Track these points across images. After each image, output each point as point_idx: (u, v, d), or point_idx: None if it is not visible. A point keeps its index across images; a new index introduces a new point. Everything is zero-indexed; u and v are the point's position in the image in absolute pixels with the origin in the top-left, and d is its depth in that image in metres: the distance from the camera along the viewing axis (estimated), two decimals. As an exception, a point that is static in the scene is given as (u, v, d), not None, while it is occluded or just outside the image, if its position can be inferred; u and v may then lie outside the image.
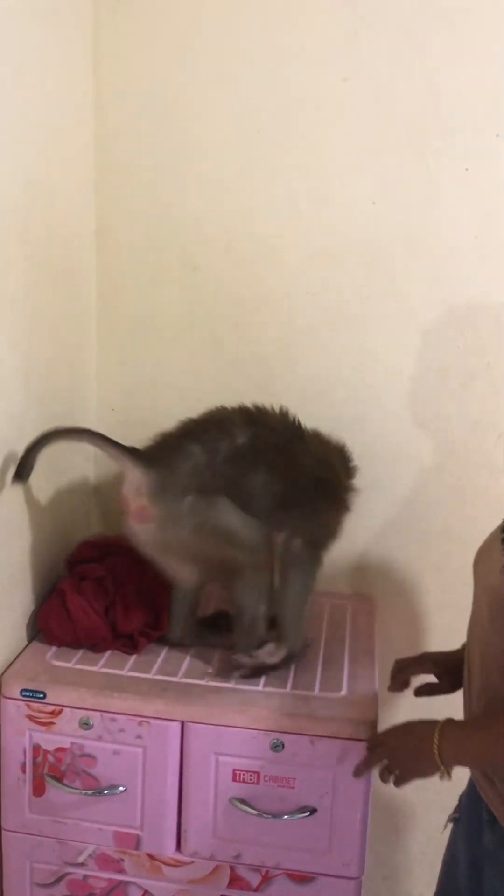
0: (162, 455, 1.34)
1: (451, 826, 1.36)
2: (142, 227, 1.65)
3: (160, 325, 1.69)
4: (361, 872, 1.32)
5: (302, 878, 1.32)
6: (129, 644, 1.42)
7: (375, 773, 1.25)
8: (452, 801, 1.83)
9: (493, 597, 1.12)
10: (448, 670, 1.39)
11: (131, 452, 1.34)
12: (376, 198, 1.56)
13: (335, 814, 1.29)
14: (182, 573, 1.40)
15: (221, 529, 1.32)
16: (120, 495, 1.37)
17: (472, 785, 1.27)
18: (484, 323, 1.59)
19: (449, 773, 1.13)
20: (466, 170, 1.54)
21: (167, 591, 1.45)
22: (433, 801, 1.82)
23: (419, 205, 1.56)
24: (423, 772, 1.16)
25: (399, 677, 1.40)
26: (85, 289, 1.65)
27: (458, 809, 1.34)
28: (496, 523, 1.66)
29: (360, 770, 1.25)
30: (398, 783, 1.20)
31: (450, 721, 1.14)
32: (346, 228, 1.59)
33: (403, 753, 1.18)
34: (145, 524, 1.33)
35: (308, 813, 1.28)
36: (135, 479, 1.33)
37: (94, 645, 1.41)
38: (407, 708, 1.77)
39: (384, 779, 1.21)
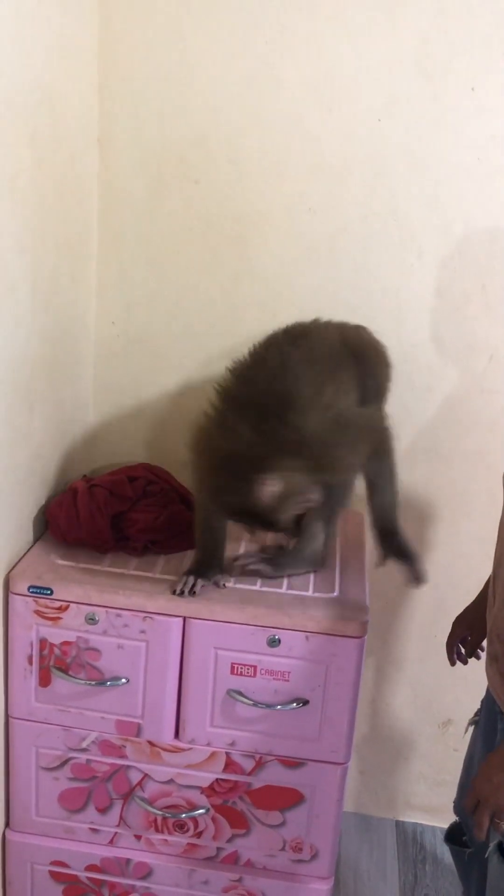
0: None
1: (472, 729, 1.45)
2: (144, 137, 1.64)
3: (160, 238, 1.69)
4: (348, 759, 1.42)
5: (292, 764, 1.42)
6: (133, 547, 1.47)
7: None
8: (440, 713, 1.96)
9: None
10: (477, 619, 1.47)
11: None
12: (381, 114, 1.57)
13: (326, 705, 1.38)
14: None
15: None
16: None
17: (487, 692, 1.36)
18: (480, 245, 1.62)
19: None
20: (473, 89, 1.54)
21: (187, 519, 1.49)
22: (423, 710, 1.94)
23: (424, 124, 1.57)
24: None
25: (450, 653, 1.51)
26: (87, 198, 1.64)
27: (478, 713, 1.43)
28: (484, 442, 1.73)
29: (481, 837, 1.16)
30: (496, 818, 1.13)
31: None
32: (349, 145, 1.59)
33: (500, 789, 1.11)
34: None
35: (301, 704, 1.37)
36: None
37: (97, 547, 1.46)
38: (396, 604, 1.88)
39: (500, 828, 1.14)
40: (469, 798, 1.16)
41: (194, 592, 1.36)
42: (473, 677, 1.57)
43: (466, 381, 1.71)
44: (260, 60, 1.57)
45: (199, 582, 1.37)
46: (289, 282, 1.68)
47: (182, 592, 1.36)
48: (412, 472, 1.78)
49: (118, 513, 1.48)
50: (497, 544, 1.30)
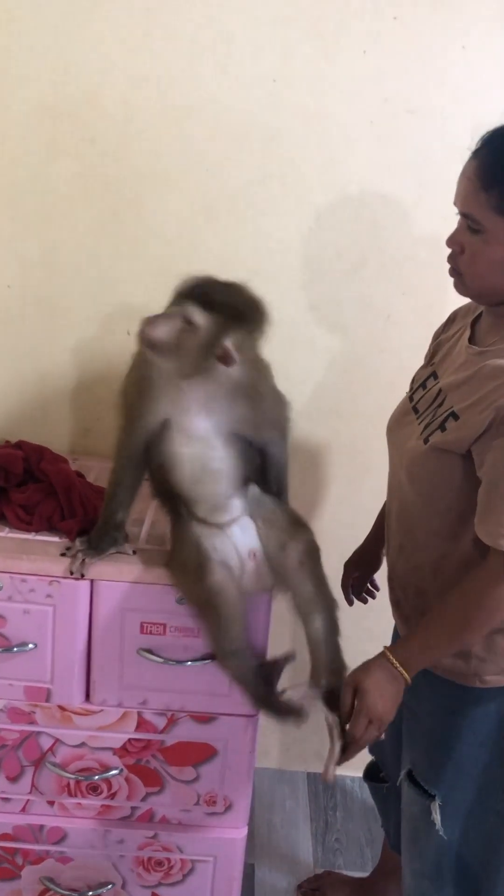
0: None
1: None
2: (36, 94, 1.59)
3: (56, 198, 1.65)
4: (258, 711, 1.45)
5: (204, 719, 1.44)
6: (24, 520, 1.42)
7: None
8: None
9: (412, 459, 1.22)
10: (365, 560, 1.56)
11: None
12: (277, 75, 1.57)
13: (235, 659, 1.40)
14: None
15: None
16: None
17: (395, 632, 1.42)
18: (375, 207, 1.66)
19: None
20: (364, 52, 1.57)
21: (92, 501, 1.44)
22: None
23: (317, 85, 1.58)
24: (398, 699, 1.17)
25: (346, 594, 1.57)
26: (-24, 156, 1.58)
27: None
28: (382, 401, 1.78)
29: (354, 750, 1.21)
30: (381, 731, 1.19)
31: (391, 648, 1.18)
32: (246, 105, 1.59)
33: (383, 701, 1.16)
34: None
35: (211, 659, 1.39)
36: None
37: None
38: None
39: (377, 737, 1.19)
40: (345, 702, 1.19)
41: (83, 575, 1.32)
42: (378, 629, 1.64)
43: (365, 342, 1.75)
44: (155, 17, 1.54)
45: (88, 562, 1.33)
46: (189, 243, 1.67)
47: (73, 572, 1.33)
48: (314, 432, 1.82)
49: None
50: (387, 495, 1.35)
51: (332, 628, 1.32)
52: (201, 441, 1.24)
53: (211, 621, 1.28)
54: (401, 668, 1.16)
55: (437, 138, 1.62)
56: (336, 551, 1.87)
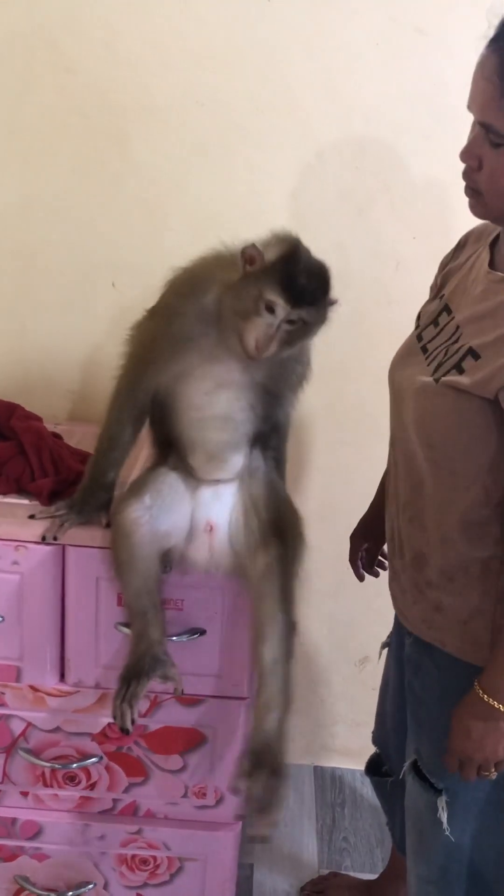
0: None
1: (385, 653, 1.38)
2: (7, 19, 1.45)
3: (32, 136, 1.51)
4: (251, 692, 1.31)
5: (191, 701, 1.30)
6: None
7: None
8: (356, 651, 1.88)
9: (420, 402, 1.07)
10: (373, 528, 1.40)
11: None
12: (272, -8, 1.43)
13: (224, 634, 1.26)
14: None
15: None
16: None
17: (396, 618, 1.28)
18: (383, 140, 1.51)
19: None
20: (370, -36, 1.42)
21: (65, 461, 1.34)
22: (339, 648, 1.85)
23: (318, 4, 1.43)
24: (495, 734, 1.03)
25: (355, 569, 1.43)
26: None
27: (390, 635, 1.35)
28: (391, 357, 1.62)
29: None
30: (501, 767, 1.05)
31: (479, 679, 1.03)
32: (238, 27, 1.45)
33: (483, 743, 1.03)
34: None
35: (197, 634, 1.25)
36: None
37: None
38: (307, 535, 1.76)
39: (491, 777, 1.06)
40: (450, 759, 1.06)
41: (55, 538, 1.20)
42: (389, 611, 1.49)
43: (372, 292, 1.60)
44: None
45: (67, 525, 1.20)
46: (177, 183, 1.53)
47: (45, 538, 1.20)
48: (316, 393, 1.65)
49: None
50: (390, 449, 1.20)
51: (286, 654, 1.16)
52: (230, 388, 1.14)
53: (113, 559, 1.17)
54: (495, 703, 1.01)
55: (450, 62, 1.46)
56: (343, 526, 1.72)
